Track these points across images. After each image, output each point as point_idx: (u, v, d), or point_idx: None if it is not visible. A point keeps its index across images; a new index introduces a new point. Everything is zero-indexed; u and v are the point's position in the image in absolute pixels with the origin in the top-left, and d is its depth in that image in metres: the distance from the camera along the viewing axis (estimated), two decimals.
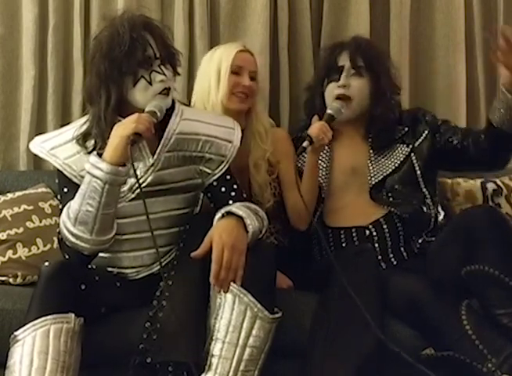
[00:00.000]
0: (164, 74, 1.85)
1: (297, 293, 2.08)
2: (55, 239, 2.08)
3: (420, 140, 2.25)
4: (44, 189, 2.49)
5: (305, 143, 2.09)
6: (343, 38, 2.44)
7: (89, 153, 1.82)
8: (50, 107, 2.70)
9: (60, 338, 1.68)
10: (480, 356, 1.78)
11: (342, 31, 2.72)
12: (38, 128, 2.67)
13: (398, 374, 1.78)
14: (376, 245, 2.17)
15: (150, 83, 1.84)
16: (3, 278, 2.26)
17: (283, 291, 2.01)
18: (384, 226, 2.19)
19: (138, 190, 1.81)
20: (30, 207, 2.38)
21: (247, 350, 1.72)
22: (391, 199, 2.21)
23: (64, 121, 2.63)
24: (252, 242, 1.76)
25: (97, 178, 1.73)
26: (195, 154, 1.93)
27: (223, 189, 1.94)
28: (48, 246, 2.33)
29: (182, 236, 1.89)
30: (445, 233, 2.03)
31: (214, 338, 1.72)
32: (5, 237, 2.31)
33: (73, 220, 1.78)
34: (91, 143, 1.86)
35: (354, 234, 2.20)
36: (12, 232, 2.32)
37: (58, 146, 1.91)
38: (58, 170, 1.91)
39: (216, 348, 1.71)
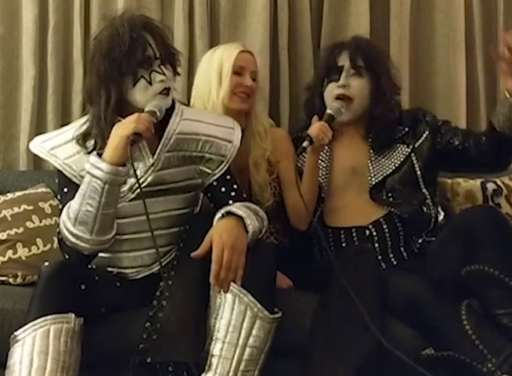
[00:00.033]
0: (164, 74, 1.85)
1: (297, 293, 2.08)
2: (55, 239, 2.08)
3: (420, 141, 2.25)
4: (44, 189, 2.49)
5: (305, 143, 2.09)
6: (343, 38, 2.44)
7: (89, 153, 1.82)
8: (50, 107, 2.70)
9: (60, 338, 1.68)
10: (480, 356, 1.78)
11: (342, 31, 2.72)
12: (38, 128, 2.67)
13: (398, 374, 1.78)
14: (376, 245, 2.17)
15: (150, 83, 1.84)
16: (3, 278, 2.26)
17: (283, 291, 2.01)
18: (384, 226, 2.19)
19: (138, 190, 1.81)
20: (30, 207, 2.38)
21: (247, 350, 1.72)
22: (391, 199, 2.21)
23: (64, 121, 2.63)
24: (252, 242, 1.76)
25: (97, 178, 1.73)
26: (195, 154, 1.93)
27: (223, 189, 1.94)
28: (48, 246, 2.33)
29: (182, 236, 1.89)
30: (445, 233, 2.03)
31: (214, 338, 1.72)
32: (5, 237, 2.31)
33: (73, 220, 1.78)
34: (91, 143, 1.86)
35: (354, 234, 2.20)
36: (12, 232, 2.32)
37: (58, 146, 1.91)
38: (58, 170, 1.91)
39: (216, 348, 1.71)
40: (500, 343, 1.78)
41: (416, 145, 2.25)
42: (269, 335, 1.76)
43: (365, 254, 2.02)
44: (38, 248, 2.32)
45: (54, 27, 2.69)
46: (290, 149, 2.28)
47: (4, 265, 2.27)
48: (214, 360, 1.70)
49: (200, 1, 2.68)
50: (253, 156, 2.21)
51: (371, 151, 2.28)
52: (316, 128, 2.13)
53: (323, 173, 2.28)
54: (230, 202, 1.90)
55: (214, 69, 2.18)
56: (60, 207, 1.90)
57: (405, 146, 2.26)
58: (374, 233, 2.19)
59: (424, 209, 2.20)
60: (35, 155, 1.98)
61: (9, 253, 2.29)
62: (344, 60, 2.27)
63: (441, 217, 2.24)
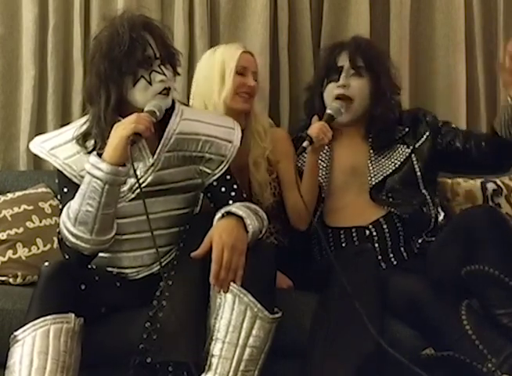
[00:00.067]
0: (164, 74, 1.85)
1: (297, 293, 2.08)
2: (55, 239, 2.08)
3: (420, 141, 2.25)
4: (44, 189, 2.49)
5: (305, 143, 2.09)
6: (343, 38, 2.44)
7: (89, 153, 1.82)
8: (50, 107, 2.70)
9: (60, 338, 1.68)
10: (480, 356, 1.78)
11: (342, 31, 2.72)
12: (38, 128, 2.67)
13: (398, 374, 1.78)
14: (376, 245, 2.17)
15: (150, 83, 1.84)
16: (3, 278, 2.26)
17: (283, 291, 2.01)
18: (384, 226, 2.19)
19: (138, 190, 1.81)
20: (30, 207, 2.38)
21: (247, 350, 1.72)
22: (390, 199, 2.21)
23: (64, 121, 2.63)
24: (252, 242, 1.76)
25: (97, 178, 1.73)
26: (195, 154, 1.93)
27: (223, 189, 1.94)
28: (48, 246, 2.33)
29: (182, 236, 1.89)
30: (445, 233, 2.02)
31: (214, 338, 1.72)
32: (5, 237, 2.31)
33: (73, 220, 1.78)
34: (91, 143, 1.86)
35: (354, 234, 2.20)
36: (12, 232, 2.32)
37: (58, 146, 1.91)
38: (58, 170, 1.91)
39: (216, 348, 1.71)
40: (500, 343, 1.78)
41: (417, 145, 2.25)
42: (269, 335, 1.76)
43: (365, 255, 2.02)
44: (38, 248, 2.32)
45: (54, 27, 2.69)
46: (290, 149, 2.28)
47: (4, 265, 2.27)
48: (214, 360, 1.70)
49: (200, 1, 2.68)
50: (253, 155, 2.22)
51: (371, 151, 2.28)
52: (316, 128, 2.13)
53: (323, 173, 2.28)
54: (230, 202, 1.90)
55: (216, 69, 2.18)
56: (60, 207, 1.90)
57: (405, 146, 2.26)
58: (374, 233, 2.19)
59: (424, 209, 2.20)
60: (35, 155, 1.98)
61: (9, 253, 2.29)
62: (343, 60, 2.27)
63: (441, 217, 2.24)
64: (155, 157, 1.89)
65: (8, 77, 2.72)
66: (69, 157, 1.89)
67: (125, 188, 1.87)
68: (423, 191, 2.23)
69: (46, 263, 1.79)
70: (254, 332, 1.73)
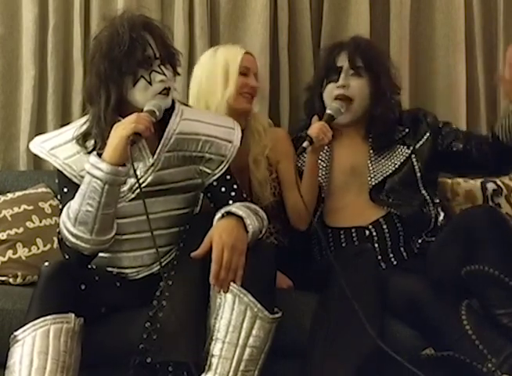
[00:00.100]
0: (164, 74, 1.85)
1: (297, 293, 2.08)
2: (55, 239, 2.08)
3: (421, 142, 2.25)
4: (44, 189, 2.49)
5: (305, 144, 2.09)
6: (343, 38, 2.44)
7: (89, 153, 1.82)
8: (50, 107, 2.70)
9: (60, 338, 1.68)
10: (480, 356, 1.78)
11: (342, 31, 2.72)
12: (38, 128, 2.67)
13: (398, 373, 1.78)
14: (376, 245, 2.17)
15: (150, 83, 1.84)
16: (3, 278, 2.26)
17: (283, 291, 2.01)
18: (384, 226, 2.19)
19: (138, 190, 1.81)
20: (30, 207, 2.38)
21: (247, 350, 1.72)
22: (390, 200, 2.21)
23: (64, 121, 2.63)
24: (252, 242, 1.76)
25: (97, 178, 1.73)
26: (195, 154, 1.93)
27: (223, 189, 1.94)
28: (48, 246, 2.33)
29: (182, 236, 1.89)
30: (445, 233, 2.02)
31: (214, 338, 1.72)
32: (5, 237, 2.31)
33: (73, 220, 1.78)
34: (91, 143, 1.86)
35: (354, 234, 2.20)
36: (12, 232, 2.32)
37: (58, 146, 1.91)
38: (58, 170, 1.91)
39: (216, 348, 1.71)
40: (500, 343, 1.79)
41: (417, 146, 2.25)
42: (269, 335, 1.76)
43: (365, 255, 2.02)
44: (38, 248, 2.32)
45: (54, 27, 2.69)
46: (290, 149, 2.28)
47: (4, 265, 2.27)
48: (214, 360, 1.70)
49: (200, 1, 2.68)
50: (252, 153, 2.22)
51: (371, 151, 2.27)
52: (316, 128, 2.13)
53: (323, 173, 2.28)
54: (230, 202, 1.90)
55: (219, 69, 2.19)
56: (60, 207, 1.90)
57: (405, 147, 2.26)
58: (374, 233, 2.19)
59: (424, 210, 2.20)
60: (35, 155, 1.98)
61: (9, 253, 2.29)
62: (343, 61, 2.26)
63: (441, 217, 2.24)
64: (155, 157, 1.89)
65: (8, 77, 2.72)
66: (69, 157, 1.89)
67: (125, 188, 1.87)
68: (423, 192, 2.23)
69: (46, 263, 1.79)
70: (254, 332, 1.73)
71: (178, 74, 1.96)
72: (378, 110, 2.25)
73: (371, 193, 2.23)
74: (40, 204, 2.41)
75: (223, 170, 1.94)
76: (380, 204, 2.21)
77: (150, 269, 1.96)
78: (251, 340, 1.72)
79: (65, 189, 1.89)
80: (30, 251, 2.31)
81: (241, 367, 1.71)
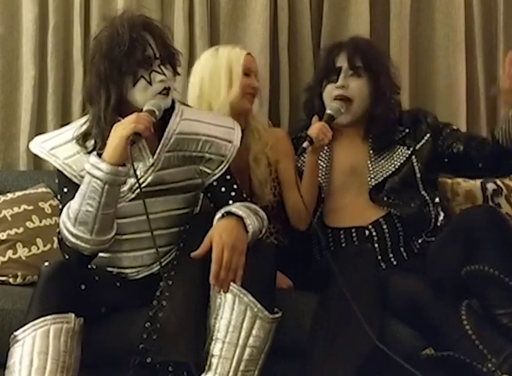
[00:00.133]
0: (164, 74, 1.85)
1: (297, 293, 2.08)
2: (55, 239, 2.07)
3: (421, 143, 2.24)
4: (44, 189, 2.49)
5: (305, 144, 2.09)
6: (343, 38, 2.44)
7: (89, 153, 1.82)
8: (50, 107, 2.70)
9: (60, 338, 1.68)
10: (480, 356, 1.78)
11: (342, 31, 2.72)
12: (38, 128, 2.67)
13: (398, 373, 1.78)
14: (376, 245, 2.17)
15: (150, 83, 1.84)
16: (3, 278, 2.26)
17: (283, 291, 2.01)
18: (384, 226, 2.19)
19: (138, 190, 1.81)
20: (30, 207, 2.38)
21: (247, 350, 1.72)
22: (390, 200, 2.21)
23: (64, 121, 2.63)
24: (252, 242, 1.76)
25: (97, 178, 1.73)
26: (195, 154, 1.93)
27: (223, 189, 1.94)
28: (48, 246, 2.33)
29: (182, 236, 1.89)
30: (444, 233, 2.02)
31: (214, 338, 1.72)
32: (5, 237, 2.31)
33: (73, 220, 1.78)
34: (91, 143, 1.86)
35: (353, 234, 2.20)
36: (12, 232, 2.32)
37: (58, 146, 1.91)
38: (58, 170, 1.91)
39: (216, 348, 1.71)
40: (500, 343, 1.79)
41: (417, 147, 2.24)
42: (269, 335, 1.76)
43: (365, 255, 2.02)
44: (38, 248, 2.32)
45: (54, 27, 2.69)
46: (290, 148, 2.28)
47: (4, 265, 2.27)
48: (214, 360, 1.70)
49: (200, 1, 2.68)
50: (253, 151, 2.23)
51: (371, 152, 2.27)
52: (316, 128, 2.13)
53: (323, 173, 2.28)
54: (230, 202, 1.90)
55: (223, 70, 2.19)
56: (60, 207, 1.90)
57: (405, 147, 2.25)
58: (374, 233, 2.19)
59: (424, 210, 2.20)
60: (35, 155, 1.97)
61: (9, 253, 2.29)
62: (342, 61, 2.26)
63: (441, 217, 2.24)
64: (155, 157, 1.89)
65: (8, 77, 2.72)
66: (69, 157, 1.89)
67: (125, 188, 1.87)
68: (423, 192, 2.23)
69: (46, 263, 1.79)
70: (254, 332, 1.73)
71: (178, 74, 1.96)
72: (378, 110, 2.25)
73: (371, 193, 2.23)
74: (40, 204, 2.41)
75: (223, 170, 1.94)
76: (380, 204, 2.21)
77: (150, 269, 1.96)
78: (251, 340, 1.72)
79: (65, 189, 1.89)
80: (30, 251, 2.31)
81: (241, 367, 1.71)
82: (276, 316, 1.77)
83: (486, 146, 2.12)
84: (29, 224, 2.35)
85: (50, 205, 2.42)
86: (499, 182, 2.55)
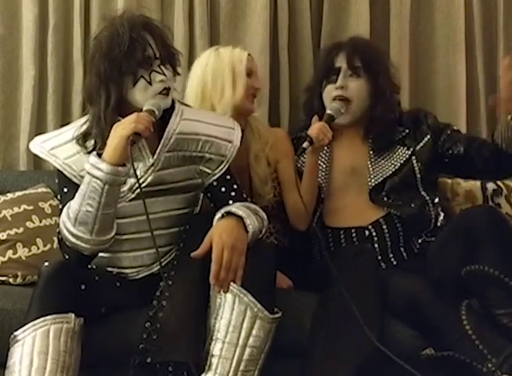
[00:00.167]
0: (164, 74, 1.85)
1: (297, 293, 2.08)
2: (55, 239, 2.07)
3: (421, 144, 2.24)
4: (44, 189, 2.49)
5: (305, 144, 2.09)
6: (343, 38, 2.44)
7: (89, 153, 1.82)
8: (50, 107, 2.70)
9: (60, 338, 1.68)
10: (480, 356, 1.78)
11: (342, 31, 2.72)
12: (38, 128, 2.67)
13: (398, 373, 1.78)
14: (376, 245, 2.17)
15: (150, 83, 1.84)
16: (3, 278, 2.26)
17: (283, 291, 2.01)
18: (384, 227, 2.19)
19: (138, 190, 1.81)
20: (30, 207, 2.38)
21: (247, 350, 1.72)
22: (390, 201, 2.21)
23: (64, 121, 2.63)
24: (252, 242, 1.76)
25: (97, 178, 1.73)
26: (195, 154, 1.93)
27: (223, 189, 1.94)
28: (48, 246, 2.33)
29: (182, 236, 1.89)
30: (445, 233, 2.02)
31: (214, 338, 1.72)
32: (5, 237, 2.31)
33: (73, 220, 1.78)
34: (91, 143, 1.86)
35: (353, 234, 2.20)
36: (12, 232, 2.32)
37: (58, 146, 1.91)
38: (58, 170, 1.91)
39: (216, 348, 1.71)
40: (500, 343, 1.79)
41: (417, 148, 2.24)
42: (269, 335, 1.76)
43: (365, 255, 2.02)
44: (38, 248, 2.32)
45: (54, 27, 2.69)
46: (290, 148, 2.28)
47: (4, 265, 2.27)
48: (214, 360, 1.70)
49: (200, 1, 2.68)
50: (253, 150, 2.23)
51: (371, 152, 2.27)
52: (316, 128, 2.13)
53: (323, 174, 2.28)
54: (230, 202, 1.90)
55: (226, 71, 2.18)
56: (60, 207, 1.90)
57: (405, 148, 2.25)
58: (374, 234, 2.19)
59: (424, 211, 2.20)
60: (35, 155, 1.97)
61: (9, 253, 2.29)
62: (341, 61, 2.26)
63: (441, 218, 2.24)
64: (155, 157, 1.89)
65: (8, 77, 2.72)
66: (69, 157, 1.89)
67: (125, 188, 1.87)
68: (423, 193, 2.23)
69: (46, 263, 1.79)
70: (254, 332, 1.73)
71: (178, 74, 1.96)
72: (377, 111, 2.24)
73: (371, 193, 2.23)
74: (40, 204, 2.41)
75: (223, 170, 1.94)
76: (379, 204, 2.21)
77: (150, 269, 1.96)
78: (251, 340, 1.72)
79: (65, 189, 1.89)
80: (30, 251, 2.31)
81: (241, 367, 1.71)
82: (276, 316, 1.77)
83: (486, 149, 2.12)
84: (29, 224, 2.35)
85: (50, 205, 2.42)
86: (499, 182, 2.55)
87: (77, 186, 1.80)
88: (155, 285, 1.82)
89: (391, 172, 2.23)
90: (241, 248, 1.71)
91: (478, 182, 2.55)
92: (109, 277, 1.94)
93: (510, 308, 1.82)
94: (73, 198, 1.79)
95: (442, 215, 2.26)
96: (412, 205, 2.19)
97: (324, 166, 2.29)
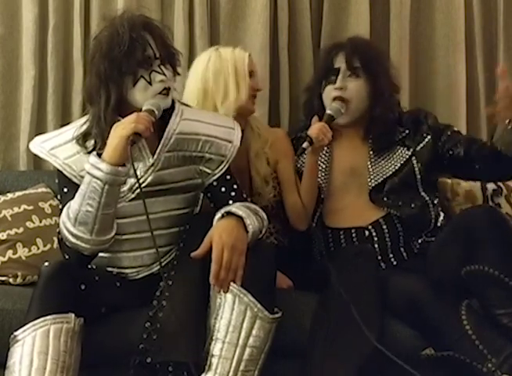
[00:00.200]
0: (164, 74, 1.85)
1: (297, 293, 2.08)
2: (55, 239, 2.07)
3: (421, 145, 2.24)
4: (44, 189, 2.49)
5: (305, 144, 2.09)
6: (342, 38, 2.43)
7: (89, 153, 1.82)
8: (50, 107, 2.70)
9: (60, 338, 1.68)
10: (480, 356, 1.78)
11: (342, 31, 2.72)
12: (38, 128, 2.67)
13: (398, 373, 1.78)
14: (376, 246, 2.17)
15: (150, 83, 1.84)
16: (3, 278, 2.26)
17: (283, 291, 2.01)
18: (384, 227, 2.19)
19: (138, 190, 1.81)
20: (30, 207, 2.38)
21: (247, 350, 1.72)
22: (390, 201, 2.21)
23: (64, 121, 2.63)
24: (252, 242, 1.76)
25: (97, 178, 1.73)
26: (195, 154, 1.93)
27: (223, 189, 1.94)
28: (48, 246, 2.33)
29: (182, 236, 1.89)
30: (445, 233, 2.03)
31: (214, 338, 1.72)
32: (5, 237, 2.31)
33: (73, 220, 1.78)
34: (91, 143, 1.86)
35: (353, 235, 2.20)
36: (12, 232, 2.32)
37: (58, 146, 1.91)
38: (58, 170, 1.91)
39: (216, 348, 1.71)
40: (500, 343, 1.79)
41: (417, 148, 2.24)
42: (269, 335, 1.76)
43: (365, 255, 2.02)
44: (38, 248, 2.32)
45: (54, 27, 2.69)
46: (289, 148, 2.29)
47: (4, 265, 2.27)
48: (214, 360, 1.70)
49: (200, 1, 2.68)
50: (254, 148, 2.24)
51: (371, 152, 2.27)
52: (316, 128, 2.13)
53: (323, 174, 2.28)
54: (230, 202, 1.90)
55: (230, 72, 2.18)
56: (60, 207, 1.90)
57: (405, 148, 2.25)
58: (374, 234, 2.18)
59: (424, 211, 2.20)
60: (35, 155, 1.97)
61: (9, 253, 2.29)
62: (340, 62, 2.26)
63: (441, 218, 2.24)
64: (155, 157, 1.89)
65: (8, 77, 2.72)
66: (69, 157, 1.89)
67: (125, 188, 1.87)
68: (423, 193, 2.23)
69: (46, 263, 1.79)
70: (254, 332, 1.73)
71: (178, 74, 1.96)
72: (377, 111, 2.24)
73: (371, 194, 2.23)
74: (40, 204, 2.41)
75: (223, 170, 1.94)
76: (379, 205, 2.21)
77: (150, 269, 1.96)
78: (251, 340, 1.72)
79: (65, 189, 1.89)
80: (30, 251, 2.31)
81: (241, 367, 1.71)
82: (276, 316, 1.77)
83: (486, 151, 2.12)
84: (29, 224, 2.35)
85: (50, 205, 2.42)
86: (499, 182, 2.55)
87: (77, 186, 1.80)
88: (155, 285, 1.82)
89: (391, 173, 2.23)
90: (241, 248, 1.71)
91: (478, 182, 2.55)
92: (109, 277, 1.94)
93: (510, 308, 1.82)
94: (73, 198, 1.79)
95: (442, 215, 2.26)
96: (413, 206, 2.19)
97: (324, 166, 2.29)
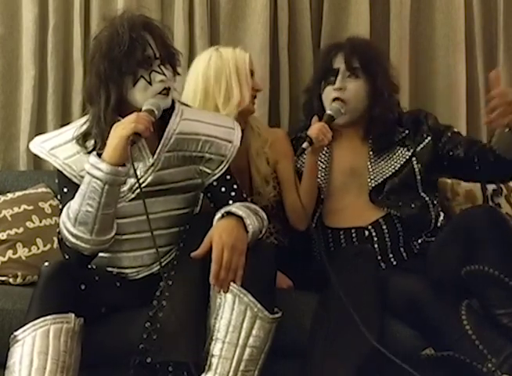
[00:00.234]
0: (164, 74, 1.85)
1: (297, 293, 2.08)
2: (55, 239, 2.08)
3: (421, 145, 2.24)
4: (44, 189, 2.49)
5: (305, 144, 2.09)
6: (343, 38, 2.43)
7: (89, 153, 1.82)
8: (50, 107, 2.70)
9: (60, 338, 1.68)
10: (480, 356, 1.78)
11: (342, 31, 2.72)
12: (38, 128, 2.67)
13: (398, 373, 1.78)
14: (376, 246, 2.17)
15: (150, 83, 1.84)
16: (3, 278, 2.26)
17: (283, 291, 2.01)
18: (384, 227, 2.19)
19: (138, 190, 1.81)
20: (30, 207, 2.38)
21: (247, 350, 1.72)
22: (390, 201, 2.21)
23: (64, 121, 2.63)
24: (252, 242, 1.76)
25: (97, 178, 1.73)
26: (195, 154, 1.93)
27: (223, 189, 1.94)
28: (48, 246, 2.33)
29: (182, 236, 1.89)
30: (445, 233, 2.02)
31: (214, 337, 1.72)
32: (5, 237, 2.31)
33: (73, 220, 1.78)
34: (91, 143, 1.86)
35: (353, 235, 2.20)
36: (12, 232, 2.32)
37: (58, 146, 1.91)
38: (58, 170, 1.91)
39: (216, 348, 1.71)
40: (500, 343, 1.79)
41: (417, 149, 2.24)
42: (269, 335, 1.76)
43: (365, 255, 2.02)
44: (38, 248, 2.32)
45: (54, 27, 2.69)
46: (289, 149, 2.29)
47: (4, 265, 2.27)
48: (214, 360, 1.70)
49: (200, 1, 2.68)
50: (254, 147, 2.24)
51: (371, 153, 2.27)
52: (316, 129, 2.13)
53: (322, 174, 2.28)
54: (230, 202, 1.90)
55: (230, 70, 2.18)
56: (60, 207, 1.90)
57: (405, 149, 2.25)
58: (374, 234, 2.18)
59: (424, 211, 2.20)
60: (35, 155, 1.97)
61: (9, 253, 2.29)
62: (339, 62, 2.26)
63: (441, 218, 2.24)
64: (155, 157, 1.89)
65: (8, 77, 2.72)
66: (69, 157, 1.89)
67: (125, 188, 1.87)
68: (423, 194, 2.23)
69: (46, 263, 1.79)
70: (254, 332, 1.73)
71: (178, 74, 1.96)
72: (376, 111, 2.24)
73: (371, 194, 2.23)
74: (40, 204, 2.41)
75: (223, 170, 1.94)
76: (379, 205, 2.21)
77: (150, 269, 1.96)
78: (251, 340, 1.72)
79: (65, 189, 1.89)
80: (30, 251, 2.31)
81: (241, 367, 1.71)
82: (276, 316, 1.77)
83: (486, 153, 2.12)
84: (29, 224, 2.35)
85: (50, 205, 2.42)
86: None
87: (77, 186, 1.80)
88: (155, 285, 1.82)
89: (391, 173, 2.23)
90: (241, 248, 1.71)
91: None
92: (109, 277, 1.94)
93: (510, 308, 1.82)
94: (73, 198, 1.79)
95: (442, 215, 2.26)
96: (412, 206, 2.19)
97: (324, 166, 2.29)
